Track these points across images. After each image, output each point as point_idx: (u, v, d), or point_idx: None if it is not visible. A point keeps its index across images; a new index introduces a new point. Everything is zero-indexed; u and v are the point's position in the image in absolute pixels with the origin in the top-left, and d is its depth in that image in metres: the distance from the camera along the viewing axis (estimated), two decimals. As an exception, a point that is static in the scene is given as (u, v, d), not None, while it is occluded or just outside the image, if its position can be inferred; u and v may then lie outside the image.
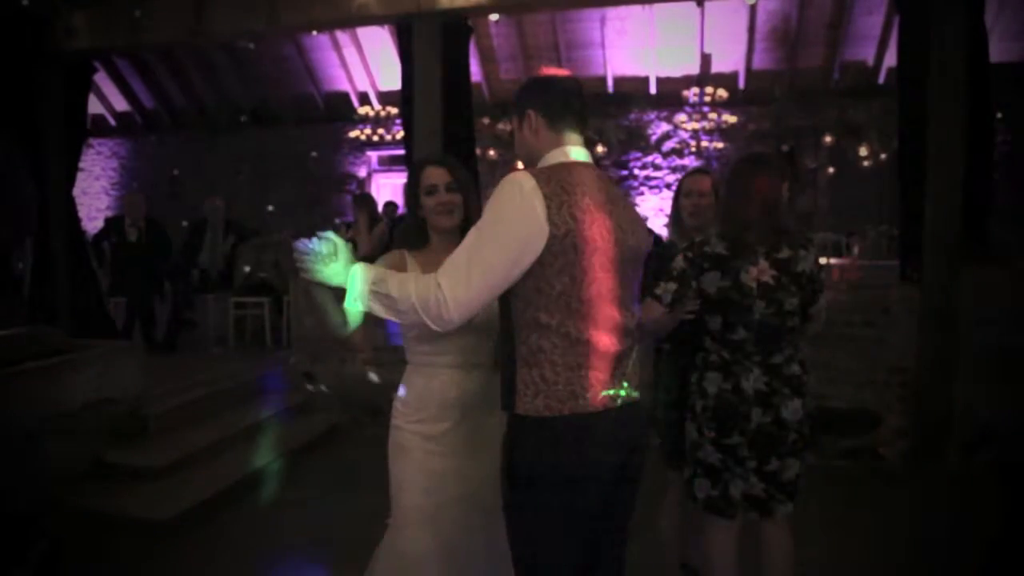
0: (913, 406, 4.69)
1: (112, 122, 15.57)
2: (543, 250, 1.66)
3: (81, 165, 6.85)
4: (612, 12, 11.69)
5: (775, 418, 2.39)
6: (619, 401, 1.78)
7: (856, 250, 9.85)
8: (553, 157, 1.81)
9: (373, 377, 5.67)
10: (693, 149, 13.07)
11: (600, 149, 13.39)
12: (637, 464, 1.88)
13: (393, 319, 1.78)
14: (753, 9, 11.26)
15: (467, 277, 1.66)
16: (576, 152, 1.83)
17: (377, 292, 1.75)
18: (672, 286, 2.41)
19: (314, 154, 13.47)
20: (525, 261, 1.67)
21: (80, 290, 6.47)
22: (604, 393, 1.75)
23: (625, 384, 1.80)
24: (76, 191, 6.66)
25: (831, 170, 12.38)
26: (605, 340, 1.74)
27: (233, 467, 4.44)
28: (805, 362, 2.48)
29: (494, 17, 9.83)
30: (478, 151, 8.98)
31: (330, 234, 1.85)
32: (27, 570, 3.18)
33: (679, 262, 2.44)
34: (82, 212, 7.20)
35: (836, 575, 3.24)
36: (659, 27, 11.74)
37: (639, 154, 13.43)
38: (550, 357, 1.71)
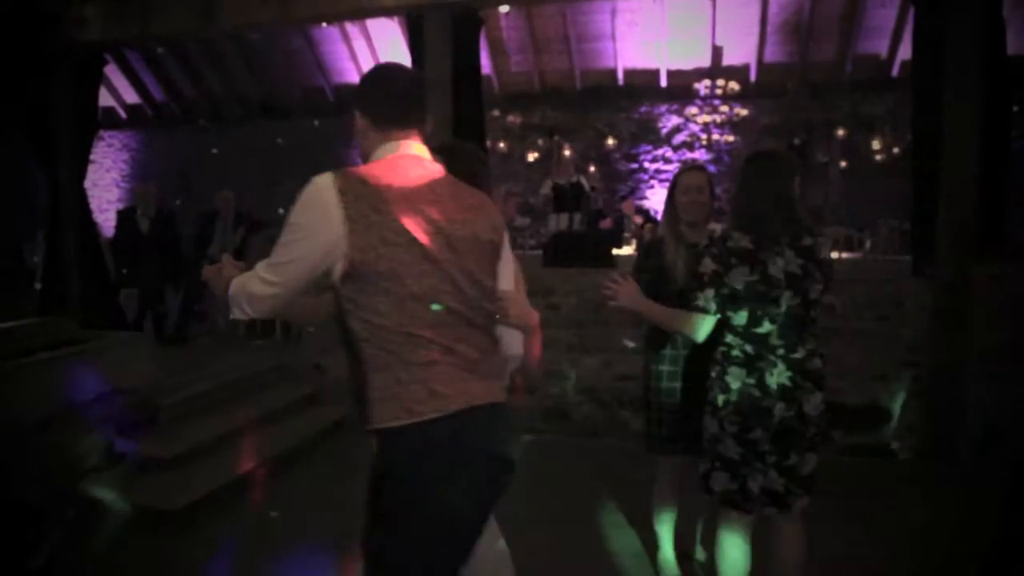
0: (924, 402, 4.66)
1: (123, 114, 15.64)
2: (350, 248, 1.57)
3: (92, 157, 6.87)
4: (623, 4, 11.64)
5: (797, 412, 2.39)
6: (481, 401, 1.65)
7: (868, 245, 9.79)
8: (378, 154, 1.75)
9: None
10: (704, 142, 13.02)
11: (610, 142, 13.37)
12: (506, 480, 1.74)
13: (247, 316, 1.77)
14: (765, 1, 11.19)
15: (268, 273, 1.67)
16: (403, 147, 1.74)
17: (227, 297, 1.77)
18: (710, 292, 2.41)
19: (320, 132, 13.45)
20: (326, 260, 1.61)
21: (91, 281, 6.51)
22: (464, 392, 1.63)
23: (488, 384, 1.69)
24: (87, 183, 6.69)
25: (843, 164, 12.31)
26: (452, 334, 1.63)
27: (243, 458, 4.46)
28: (824, 356, 2.48)
29: (504, 9, 9.80)
30: (488, 143, 8.97)
31: (225, 256, 1.93)
32: (40, 559, 3.21)
33: (707, 264, 2.42)
34: (93, 204, 7.23)
35: (846, 570, 3.23)
36: (670, 19, 11.69)
37: (649, 147, 13.38)
38: (401, 357, 1.60)
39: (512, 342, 1.94)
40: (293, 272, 1.64)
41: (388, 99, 1.75)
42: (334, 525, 3.65)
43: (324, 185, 1.60)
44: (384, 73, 1.80)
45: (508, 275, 1.89)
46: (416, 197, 1.64)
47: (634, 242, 9.98)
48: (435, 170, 1.75)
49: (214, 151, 14.05)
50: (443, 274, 1.62)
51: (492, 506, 1.75)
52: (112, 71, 13.15)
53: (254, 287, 1.69)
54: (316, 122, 13.83)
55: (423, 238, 1.60)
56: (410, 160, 1.72)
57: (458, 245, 1.65)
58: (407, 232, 1.59)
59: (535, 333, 1.99)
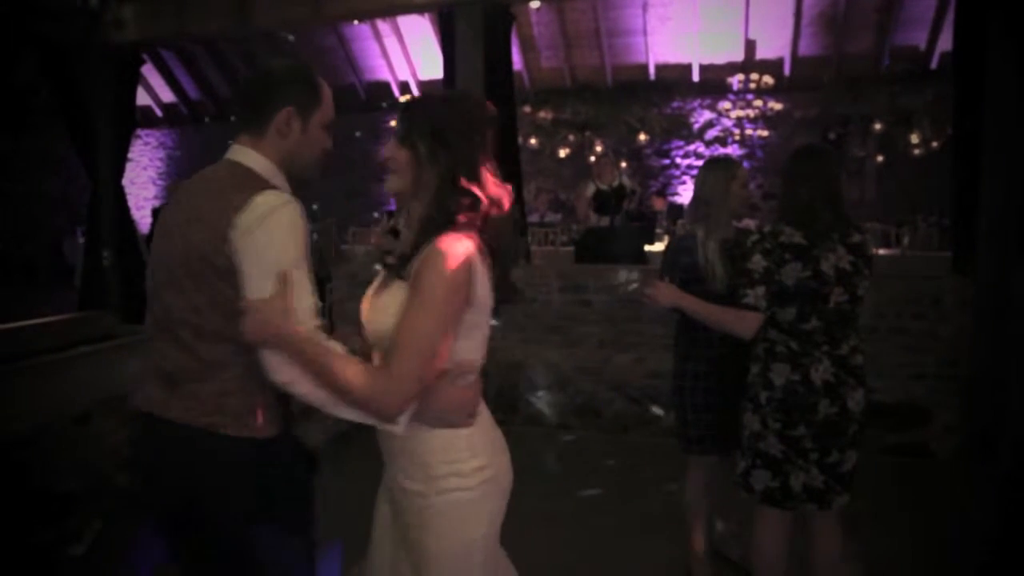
0: (964, 401, 4.56)
1: (159, 113, 15.91)
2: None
3: (129, 156, 6.99)
4: (654, -2, 11.56)
5: (840, 409, 2.36)
6: (159, 412, 1.60)
7: (906, 241, 9.62)
8: None
9: None
10: (737, 137, 12.88)
11: (642, 137, 13.28)
12: (176, 498, 1.61)
13: None
14: (800, -7, 11.03)
15: None
16: (232, 151, 1.67)
17: None
18: (760, 290, 2.38)
19: (359, 133, 13.54)
20: None
21: (129, 277, 6.63)
22: (144, 396, 1.64)
23: (177, 400, 1.58)
24: (125, 181, 6.81)
25: (880, 158, 12.10)
26: (157, 339, 1.62)
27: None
28: (865, 353, 2.45)
29: (535, 4, 9.78)
30: (519, 139, 8.97)
31: None
32: (81, 547, 3.29)
33: (759, 261, 2.39)
34: (130, 202, 7.35)
35: (882, 570, 3.18)
36: (702, 13, 11.57)
37: (682, 143, 13.27)
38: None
39: (272, 364, 1.48)
40: None
41: (240, 102, 1.75)
42: (353, 522, 3.69)
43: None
44: (250, 78, 1.84)
45: (259, 286, 1.48)
46: (176, 204, 1.65)
47: (666, 238, 9.91)
48: (218, 173, 1.64)
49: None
50: (155, 282, 1.63)
51: (179, 508, 1.62)
52: (148, 70, 13.39)
53: None
54: (347, 119, 13.94)
55: (156, 244, 1.66)
56: (217, 165, 1.68)
57: (173, 252, 1.57)
58: (159, 237, 1.65)
59: (305, 354, 1.46)
